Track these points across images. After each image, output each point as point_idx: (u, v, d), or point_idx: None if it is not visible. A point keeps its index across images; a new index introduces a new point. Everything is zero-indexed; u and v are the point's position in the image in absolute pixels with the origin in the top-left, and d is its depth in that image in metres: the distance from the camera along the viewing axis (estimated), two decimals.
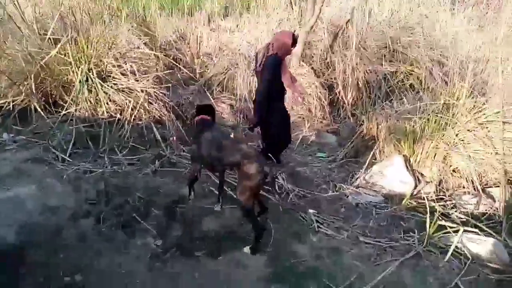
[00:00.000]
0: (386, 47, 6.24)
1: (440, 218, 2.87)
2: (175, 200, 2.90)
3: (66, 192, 2.77)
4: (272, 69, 3.45)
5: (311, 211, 3.08)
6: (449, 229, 2.77)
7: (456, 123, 3.71)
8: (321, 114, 5.76)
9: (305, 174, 4.02)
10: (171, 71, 5.59)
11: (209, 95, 5.45)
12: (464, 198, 3.54)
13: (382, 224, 3.06)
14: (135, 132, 3.91)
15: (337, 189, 3.56)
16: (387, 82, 6.04)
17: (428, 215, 2.85)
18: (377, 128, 4.37)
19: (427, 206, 3.02)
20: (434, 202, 3.29)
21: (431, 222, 2.76)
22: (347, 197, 3.44)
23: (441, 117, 3.76)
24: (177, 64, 6.07)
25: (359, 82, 6.06)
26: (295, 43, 3.63)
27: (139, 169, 3.33)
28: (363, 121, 4.67)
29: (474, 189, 3.52)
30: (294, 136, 4.67)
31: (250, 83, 5.60)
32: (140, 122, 4.07)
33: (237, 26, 7.34)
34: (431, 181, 3.74)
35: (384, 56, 6.18)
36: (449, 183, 3.73)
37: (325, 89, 5.94)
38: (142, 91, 4.22)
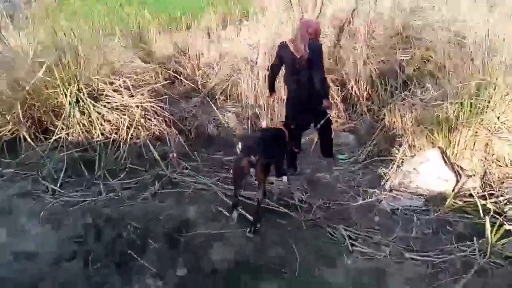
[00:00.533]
0: (397, 34, 5.75)
1: (502, 221, 2.34)
2: (178, 228, 2.43)
3: (47, 231, 2.35)
4: (322, 54, 3.55)
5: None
6: None
7: (496, 104, 3.19)
8: (334, 113, 5.28)
9: (325, 180, 3.56)
10: (171, 82, 5.26)
11: (213, 105, 5.07)
12: None
13: (426, 232, 2.55)
14: (133, 152, 3.55)
15: (368, 195, 3.04)
16: (403, 71, 5.54)
17: (484, 216, 2.33)
18: (402, 120, 3.89)
19: (479, 205, 2.52)
20: (485, 199, 2.77)
21: (492, 226, 2.23)
22: (380, 203, 2.94)
23: (477, 99, 3.24)
24: (178, 76, 5.77)
25: (372, 75, 5.58)
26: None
27: (137, 193, 2.92)
28: (384, 114, 4.18)
29: None
30: (308, 139, 4.22)
31: (255, 87, 5.18)
32: (138, 141, 3.72)
33: (237, 35, 6.99)
34: (474, 175, 3.22)
35: (397, 43, 5.67)
36: (494, 175, 3.21)
37: (337, 86, 5.48)
38: (137, 106, 3.87)
